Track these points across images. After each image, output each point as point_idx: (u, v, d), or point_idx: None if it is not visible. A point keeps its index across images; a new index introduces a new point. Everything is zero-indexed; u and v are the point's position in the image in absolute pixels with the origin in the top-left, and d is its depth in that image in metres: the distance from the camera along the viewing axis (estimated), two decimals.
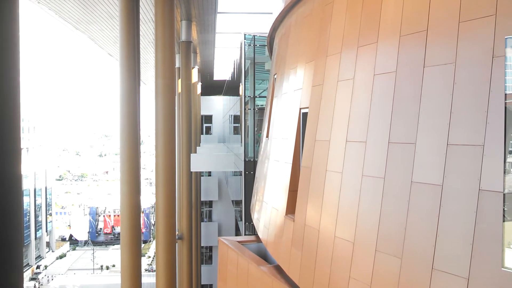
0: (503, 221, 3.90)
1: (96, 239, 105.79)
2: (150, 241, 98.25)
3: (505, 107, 3.93)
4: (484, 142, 4.75)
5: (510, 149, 3.87)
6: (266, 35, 15.35)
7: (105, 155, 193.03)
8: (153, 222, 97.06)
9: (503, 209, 3.90)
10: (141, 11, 18.83)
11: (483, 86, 4.84)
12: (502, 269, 3.86)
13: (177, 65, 28.79)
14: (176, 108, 16.29)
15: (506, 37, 3.84)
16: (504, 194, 3.90)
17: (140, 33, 15.19)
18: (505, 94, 3.89)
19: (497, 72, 4.66)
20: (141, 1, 19.10)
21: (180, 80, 28.11)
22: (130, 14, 13.94)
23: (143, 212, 76.40)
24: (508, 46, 3.84)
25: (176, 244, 24.22)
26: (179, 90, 28.32)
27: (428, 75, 5.62)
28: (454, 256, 4.94)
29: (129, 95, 13.93)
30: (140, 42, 14.94)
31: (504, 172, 3.92)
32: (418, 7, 5.96)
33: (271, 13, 13.95)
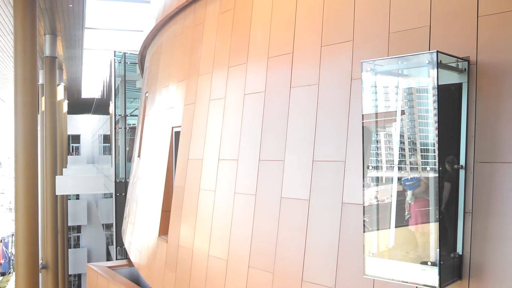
0: (364, 231, 4.18)
1: None
2: (9, 272, 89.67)
3: (363, 126, 4.24)
4: (345, 158, 5.09)
5: (368, 164, 4.18)
6: (137, 52, 15.08)
7: None
8: (13, 252, 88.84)
9: (364, 221, 4.18)
10: None
11: (343, 106, 5.20)
12: (364, 276, 4.13)
13: (40, 81, 26.95)
14: (39, 127, 15.15)
15: (362, 61, 4.17)
16: (364, 207, 4.18)
17: None
18: (362, 115, 4.21)
19: (355, 93, 5.05)
20: None
21: (43, 97, 26.31)
22: None
23: (1, 242, 69.52)
24: (364, 70, 4.16)
25: (40, 274, 22.40)
26: (43, 108, 26.49)
27: (294, 95, 5.90)
28: (322, 267, 5.17)
29: None
30: None
31: (364, 186, 4.22)
32: (284, 30, 6.25)
33: (142, 31, 13.73)
